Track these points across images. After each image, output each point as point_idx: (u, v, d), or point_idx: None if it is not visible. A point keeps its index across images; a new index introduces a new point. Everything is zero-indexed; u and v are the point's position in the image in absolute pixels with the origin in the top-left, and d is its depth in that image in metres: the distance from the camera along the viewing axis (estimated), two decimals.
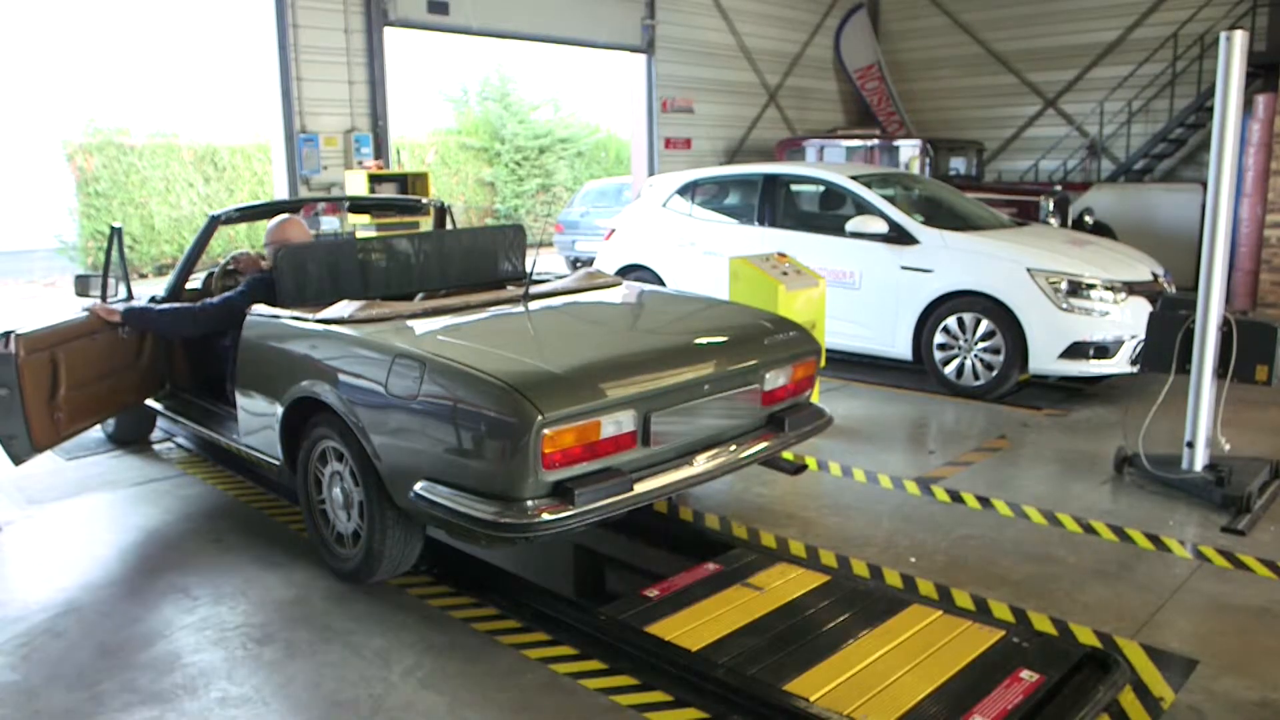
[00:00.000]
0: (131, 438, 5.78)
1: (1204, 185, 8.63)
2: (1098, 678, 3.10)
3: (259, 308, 4.34)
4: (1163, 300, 5.60)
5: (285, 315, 4.20)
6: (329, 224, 10.09)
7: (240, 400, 4.37)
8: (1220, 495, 4.67)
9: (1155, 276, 6.92)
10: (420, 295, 4.60)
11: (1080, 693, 3.03)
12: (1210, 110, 6.35)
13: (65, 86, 19.82)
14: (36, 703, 3.13)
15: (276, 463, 4.24)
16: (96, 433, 5.78)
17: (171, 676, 3.27)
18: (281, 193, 10.42)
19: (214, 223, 5.06)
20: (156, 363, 5.14)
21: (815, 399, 4.69)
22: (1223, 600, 3.75)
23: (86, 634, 3.58)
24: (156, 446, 5.84)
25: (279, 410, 4.06)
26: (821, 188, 8.25)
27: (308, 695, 3.16)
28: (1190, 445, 4.91)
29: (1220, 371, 4.84)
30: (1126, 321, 6.43)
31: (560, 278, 4.98)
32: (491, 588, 3.89)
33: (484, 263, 5.15)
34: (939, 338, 6.92)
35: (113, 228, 5.18)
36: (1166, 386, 4.99)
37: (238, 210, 5.35)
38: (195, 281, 5.48)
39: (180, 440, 5.92)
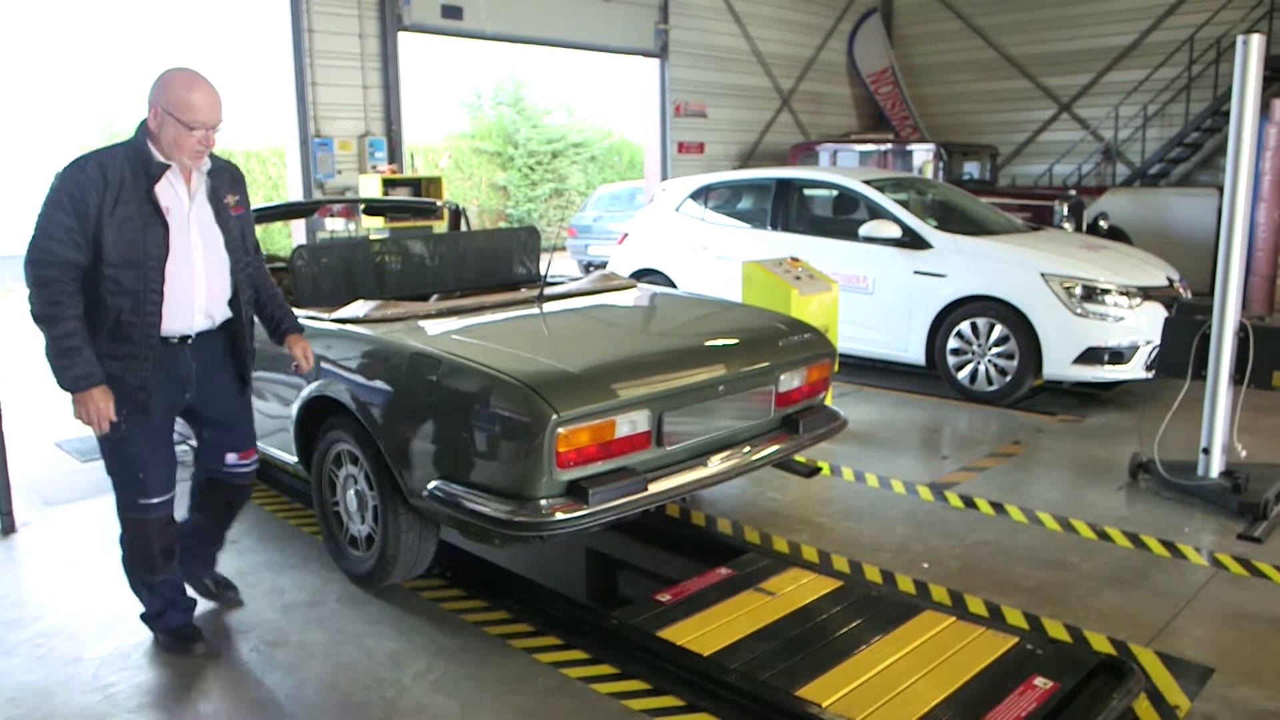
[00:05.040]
0: None
1: (1220, 190, 8.59)
2: (1112, 685, 3.08)
3: None
4: (1178, 305, 5.57)
5: (300, 315, 4.21)
6: (335, 226, 10.18)
7: (255, 401, 4.38)
8: (1236, 502, 4.63)
9: (1171, 281, 6.88)
10: (435, 296, 4.61)
11: (1095, 700, 3.01)
12: (1227, 114, 6.31)
13: (82, 91, 19.99)
14: (52, 702, 3.15)
15: (291, 463, 4.25)
16: None
17: (186, 678, 3.29)
18: (296, 196, 10.46)
19: None
20: None
21: (829, 403, 4.67)
22: (1239, 608, 3.72)
23: (101, 635, 3.60)
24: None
25: (294, 411, 4.08)
26: (835, 192, 8.22)
27: (321, 697, 3.17)
28: (1206, 452, 4.88)
29: (1236, 377, 4.81)
30: (1142, 327, 6.39)
31: (575, 280, 4.99)
32: (504, 591, 3.89)
33: (499, 265, 5.16)
34: (952, 343, 6.89)
35: None
36: (1182, 392, 4.96)
37: (253, 212, 5.35)
38: None
39: (194, 443, 5.91)
